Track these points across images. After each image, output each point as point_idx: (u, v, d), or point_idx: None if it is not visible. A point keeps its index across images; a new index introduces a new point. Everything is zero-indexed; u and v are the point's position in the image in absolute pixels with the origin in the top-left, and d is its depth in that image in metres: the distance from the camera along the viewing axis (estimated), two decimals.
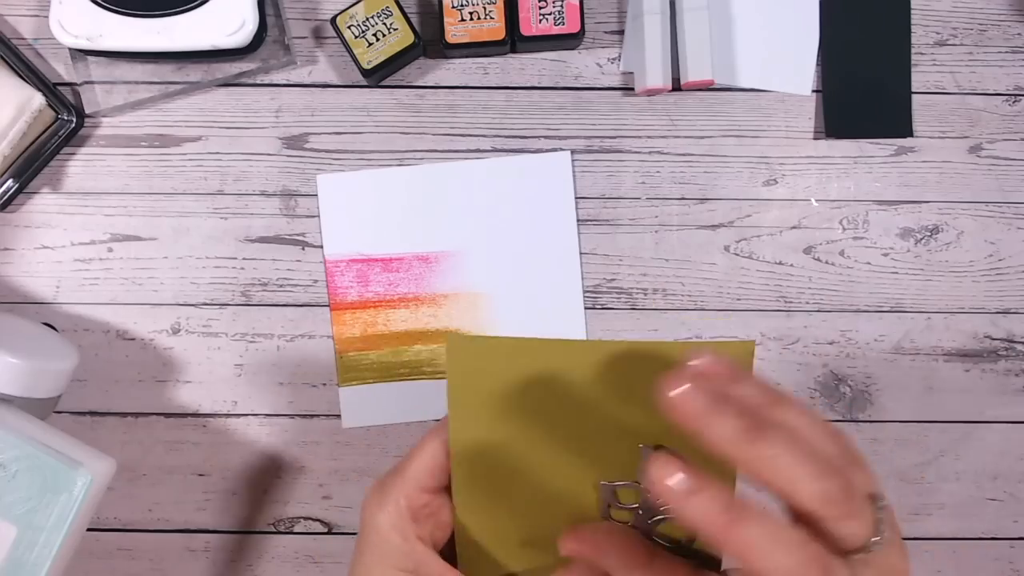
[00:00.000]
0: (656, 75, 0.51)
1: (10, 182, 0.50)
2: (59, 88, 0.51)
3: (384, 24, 0.49)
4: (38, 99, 0.49)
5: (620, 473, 0.36)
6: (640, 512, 0.37)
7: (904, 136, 0.53)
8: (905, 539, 0.51)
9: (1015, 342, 0.53)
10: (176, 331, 0.52)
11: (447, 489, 0.37)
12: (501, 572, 0.38)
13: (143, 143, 0.52)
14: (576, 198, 0.52)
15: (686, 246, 0.52)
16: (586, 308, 0.52)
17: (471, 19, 0.50)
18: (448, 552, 0.38)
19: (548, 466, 0.36)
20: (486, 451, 0.36)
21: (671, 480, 0.28)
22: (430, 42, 0.52)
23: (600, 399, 0.35)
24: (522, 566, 0.38)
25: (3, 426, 0.40)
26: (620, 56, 0.53)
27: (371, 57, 0.50)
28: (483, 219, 0.52)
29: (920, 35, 0.53)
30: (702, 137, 0.53)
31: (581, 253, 0.52)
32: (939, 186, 0.53)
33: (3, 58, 0.50)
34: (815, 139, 0.53)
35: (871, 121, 0.53)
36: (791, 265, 0.53)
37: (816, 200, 0.53)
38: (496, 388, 0.35)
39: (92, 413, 0.52)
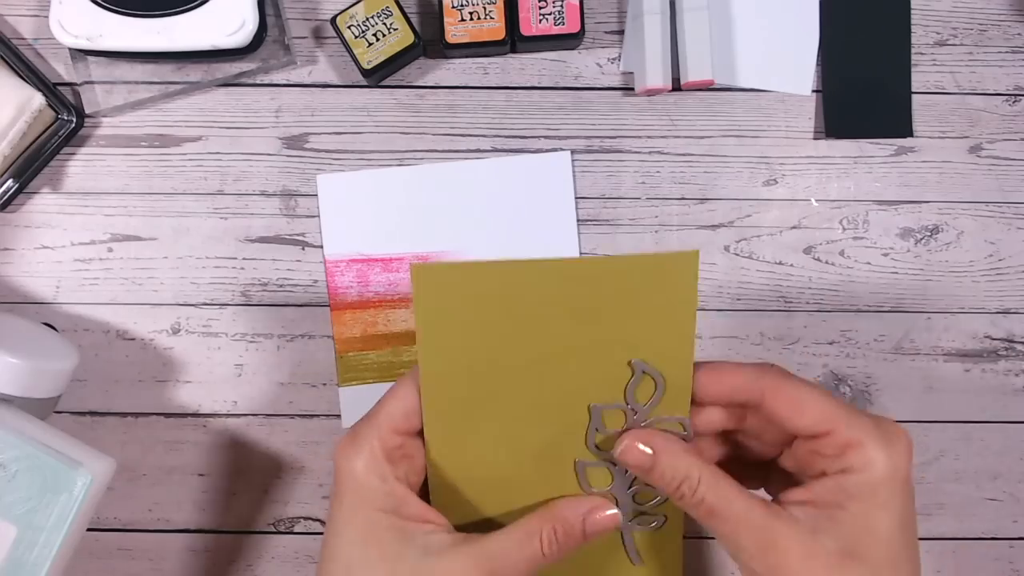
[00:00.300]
0: (656, 75, 0.51)
1: (10, 182, 0.50)
2: (59, 88, 0.51)
3: (384, 24, 0.49)
4: (38, 99, 0.49)
5: (612, 391, 0.36)
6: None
7: (904, 136, 0.53)
8: None
9: (1015, 342, 0.53)
10: (176, 331, 0.52)
11: (420, 433, 0.37)
12: (473, 514, 0.38)
13: (143, 143, 0.52)
14: (576, 198, 0.52)
15: (686, 246, 0.52)
16: None
17: (471, 19, 0.50)
18: (423, 495, 0.37)
19: (521, 395, 0.36)
20: (457, 384, 0.36)
21: (631, 459, 0.35)
22: (430, 42, 0.52)
23: (568, 320, 0.35)
24: (495, 506, 0.38)
25: (3, 426, 0.40)
26: (620, 56, 0.53)
27: (371, 57, 0.50)
28: (483, 219, 0.52)
29: (920, 35, 0.53)
30: (702, 137, 0.53)
31: (581, 253, 0.52)
32: (939, 186, 0.53)
33: (3, 58, 0.50)
34: (815, 139, 0.53)
35: (871, 121, 0.53)
36: (791, 265, 0.53)
37: (816, 200, 0.53)
38: (466, 316, 0.35)
39: (92, 413, 0.52)
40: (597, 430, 0.37)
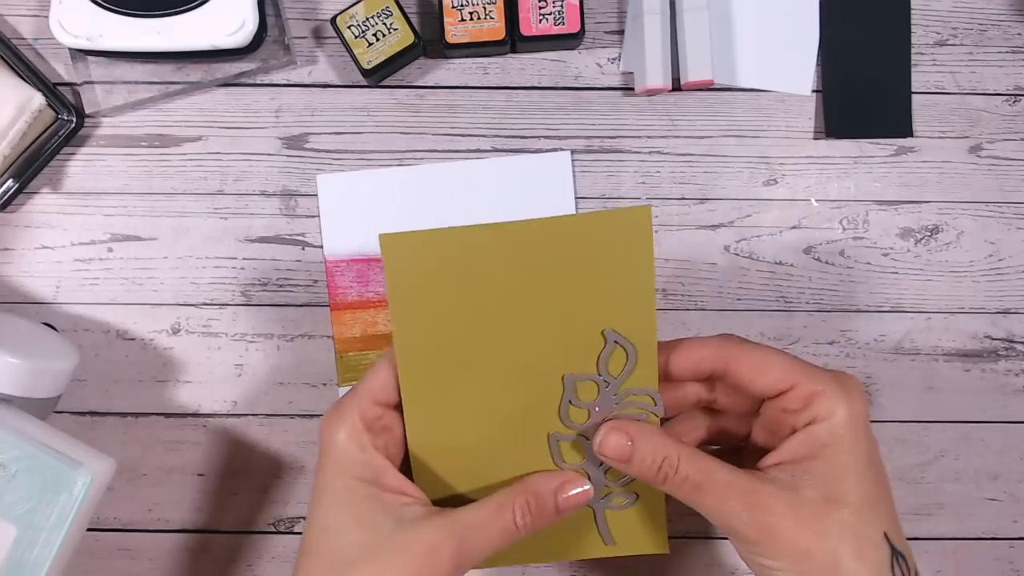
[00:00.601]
0: (656, 75, 0.51)
1: (10, 182, 0.50)
2: (59, 88, 0.51)
3: (384, 24, 0.49)
4: (38, 99, 0.49)
5: (584, 362, 0.36)
6: (597, 409, 0.37)
7: (904, 136, 0.53)
8: (905, 539, 0.51)
9: (1015, 342, 0.53)
10: (176, 331, 0.52)
11: (398, 405, 0.37)
12: (452, 487, 0.38)
13: (143, 143, 0.52)
14: (576, 198, 0.52)
15: (686, 246, 0.52)
16: None
17: (471, 19, 0.50)
18: (404, 470, 0.38)
19: (496, 364, 0.36)
20: (432, 352, 0.36)
21: (610, 452, 0.36)
22: (430, 42, 0.52)
23: (535, 284, 0.35)
24: (472, 478, 0.38)
25: (3, 426, 0.40)
26: (620, 56, 0.53)
27: (371, 57, 0.50)
28: (483, 219, 0.52)
29: (920, 35, 0.53)
30: (702, 137, 0.53)
31: None
32: (939, 186, 0.53)
33: (3, 58, 0.50)
34: (815, 139, 0.53)
35: (871, 121, 0.53)
36: (791, 265, 0.53)
37: (816, 200, 0.53)
38: (437, 284, 0.35)
39: (92, 413, 0.52)
40: (571, 402, 0.37)
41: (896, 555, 0.33)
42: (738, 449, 0.40)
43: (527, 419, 0.37)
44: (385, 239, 0.35)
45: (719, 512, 0.34)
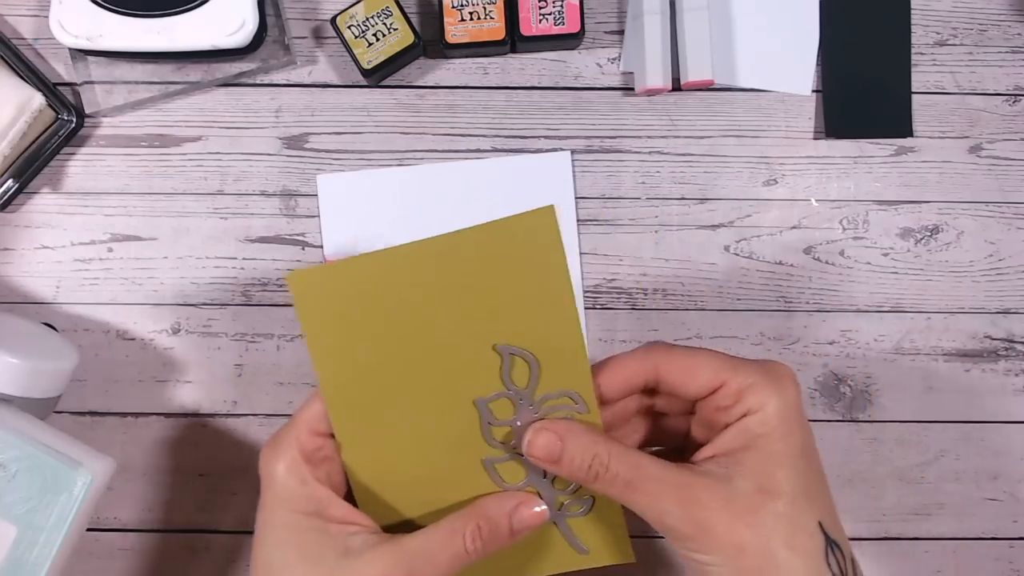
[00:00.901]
0: (656, 75, 0.51)
1: (10, 182, 0.50)
2: (59, 88, 0.51)
3: (384, 24, 0.49)
4: (38, 99, 0.49)
5: (490, 381, 0.35)
6: (518, 423, 0.36)
7: (904, 136, 0.53)
8: (905, 539, 0.51)
9: (1015, 342, 0.53)
10: (176, 331, 0.52)
11: None
12: (400, 515, 0.37)
13: (143, 143, 0.52)
14: (576, 198, 0.52)
15: (686, 246, 0.52)
16: (586, 308, 0.52)
17: (471, 19, 0.50)
18: (350, 498, 0.37)
19: (416, 392, 0.35)
20: (356, 385, 0.35)
21: (538, 452, 0.35)
22: (430, 42, 0.52)
23: (443, 305, 0.34)
24: (421, 506, 0.37)
25: (3, 426, 0.40)
26: (620, 56, 0.53)
27: (371, 57, 0.50)
28: (483, 219, 0.52)
29: (920, 35, 0.53)
30: (702, 137, 0.53)
31: (581, 253, 0.52)
32: (939, 186, 0.53)
33: (3, 58, 0.50)
34: (815, 139, 0.53)
35: (871, 121, 0.53)
36: (791, 265, 0.53)
37: (816, 200, 0.53)
38: (350, 315, 0.34)
39: (92, 413, 0.52)
40: (490, 424, 0.36)
41: (831, 544, 0.33)
42: (680, 448, 0.39)
43: (458, 448, 0.36)
44: (291, 278, 0.34)
45: (652, 509, 0.33)
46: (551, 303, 0.35)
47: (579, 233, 0.52)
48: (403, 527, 0.37)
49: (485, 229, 0.34)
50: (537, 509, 0.36)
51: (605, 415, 0.37)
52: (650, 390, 0.38)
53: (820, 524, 0.33)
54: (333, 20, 0.50)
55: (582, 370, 0.36)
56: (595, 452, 0.34)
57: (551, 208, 0.34)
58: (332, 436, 0.36)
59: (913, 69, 0.53)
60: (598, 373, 0.37)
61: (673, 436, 0.39)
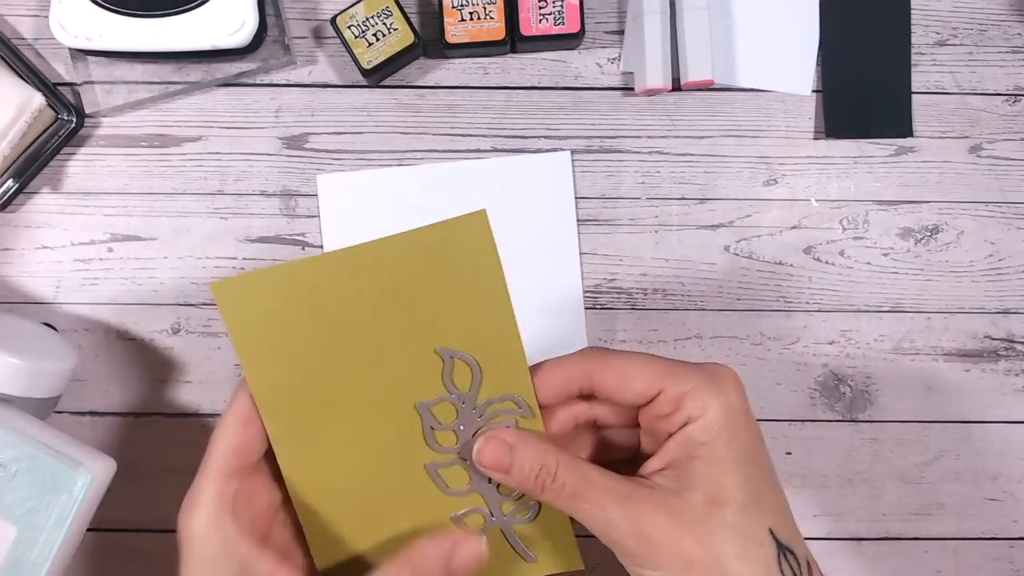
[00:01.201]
0: (656, 75, 0.51)
1: (10, 182, 0.50)
2: (59, 88, 0.51)
3: (384, 24, 0.49)
4: (38, 99, 0.49)
5: (432, 385, 0.35)
6: (461, 428, 0.36)
7: (904, 136, 0.53)
8: (905, 539, 0.51)
9: (1015, 342, 0.53)
10: (176, 331, 0.52)
11: (257, 467, 0.35)
12: (346, 541, 0.36)
13: (143, 143, 0.52)
14: (576, 198, 0.52)
15: (686, 246, 0.52)
16: (586, 308, 0.52)
17: (471, 19, 0.50)
18: (282, 532, 0.36)
19: (356, 401, 0.35)
20: (295, 397, 0.34)
21: (487, 462, 0.34)
22: (430, 42, 0.52)
23: (378, 311, 0.34)
24: (362, 514, 0.36)
25: (3, 426, 0.40)
26: (620, 56, 0.53)
27: (371, 57, 0.50)
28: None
29: (920, 35, 0.53)
30: (702, 137, 0.53)
31: (581, 253, 0.52)
32: (939, 186, 0.53)
33: (3, 58, 0.50)
34: (815, 139, 0.53)
35: (871, 121, 0.53)
36: (791, 265, 0.53)
37: (816, 200, 0.53)
38: (282, 325, 0.34)
39: (92, 413, 0.52)
40: (433, 428, 0.35)
41: (783, 550, 0.32)
42: (633, 463, 0.37)
43: (400, 453, 0.35)
44: (216, 288, 0.33)
45: (598, 521, 0.32)
46: (488, 307, 0.34)
47: (579, 233, 0.52)
48: (345, 542, 0.36)
49: (418, 234, 0.34)
50: (475, 547, 0.35)
51: (550, 429, 0.36)
52: (588, 397, 0.36)
53: (771, 531, 0.32)
54: (333, 20, 0.50)
55: (522, 373, 0.35)
56: (543, 462, 0.33)
57: (483, 212, 0.33)
58: (252, 468, 0.35)
59: (913, 69, 0.53)
60: (533, 376, 0.36)
61: (622, 450, 0.38)
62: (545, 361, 0.36)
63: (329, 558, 0.36)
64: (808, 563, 0.33)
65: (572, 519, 0.36)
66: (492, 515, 0.37)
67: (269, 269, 0.34)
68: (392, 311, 0.34)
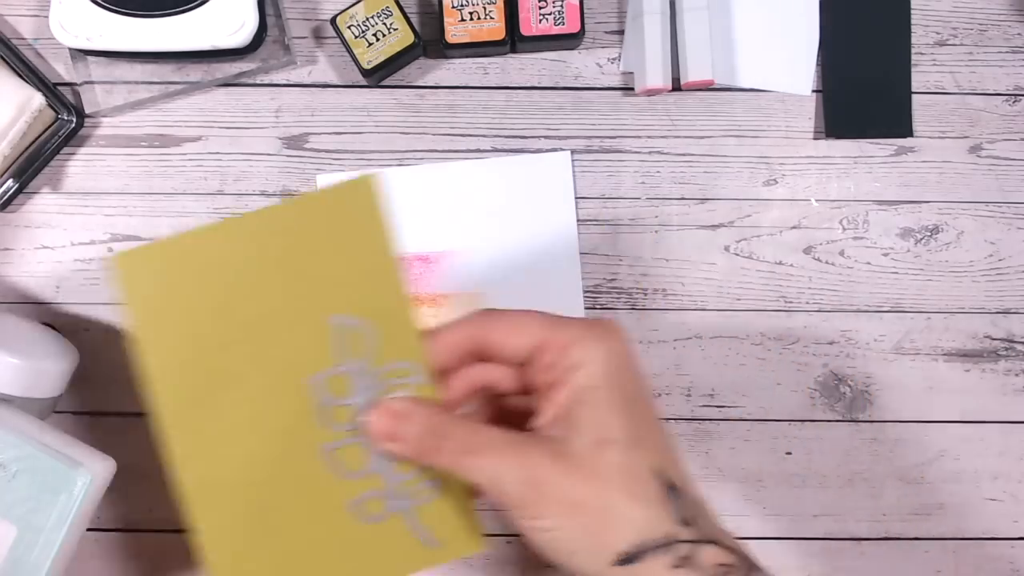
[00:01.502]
0: (656, 75, 0.51)
1: (10, 182, 0.50)
2: (59, 88, 0.51)
3: (384, 24, 0.49)
4: (38, 99, 0.49)
5: (323, 357, 0.33)
6: (358, 401, 0.34)
7: (904, 136, 0.53)
8: (905, 539, 0.51)
9: (1015, 342, 0.53)
10: None
11: None
12: (248, 543, 0.34)
13: (143, 143, 0.52)
14: (576, 198, 0.52)
15: (686, 246, 0.52)
16: (586, 308, 0.52)
17: (471, 19, 0.50)
18: None
19: (253, 372, 0.33)
20: (188, 374, 0.33)
21: (377, 432, 0.33)
22: (430, 42, 0.52)
23: (271, 283, 0.33)
24: (257, 507, 0.34)
25: (3, 426, 0.40)
26: (620, 56, 0.53)
27: (371, 57, 0.50)
28: (483, 219, 0.52)
29: (920, 35, 0.53)
30: (702, 137, 0.53)
31: (581, 253, 0.52)
32: (939, 186, 0.53)
33: (3, 58, 0.50)
34: (815, 139, 0.53)
35: (871, 121, 0.53)
36: (791, 265, 0.53)
37: (816, 200, 0.53)
38: (178, 299, 0.33)
39: (92, 413, 0.52)
40: (327, 404, 0.34)
41: (670, 489, 0.32)
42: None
43: (295, 436, 0.34)
44: (113, 261, 0.32)
45: (488, 475, 0.32)
46: (378, 273, 0.33)
47: (579, 233, 0.52)
48: (242, 545, 0.34)
49: (306, 200, 0.33)
50: None
51: (446, 397, 0.35)
52: (481, 359, 0.36)
53: (657, 470, 0.32)
54: (333, 20, 0.50)
55: (415, 339, 0.34)
56: (432, 425, 0.33)
57: (371, 177, 0.33)
58: None
59: (913, 69, 0.53)
60: (426, 341, 0.35)
61: (520, 418, 0.37)
62: (437, 325, 0.35)
63: (227, 565, 0.34)
64: (698, 504, 0.33)
65: (474, 500, 0.35)
66: (391, 498, 0.35)
67: (162, 240, 0.32)
68: (283, 282, 0.33)
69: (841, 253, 0.53)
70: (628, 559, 0.31)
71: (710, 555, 0.32)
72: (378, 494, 0.35)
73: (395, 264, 0.34)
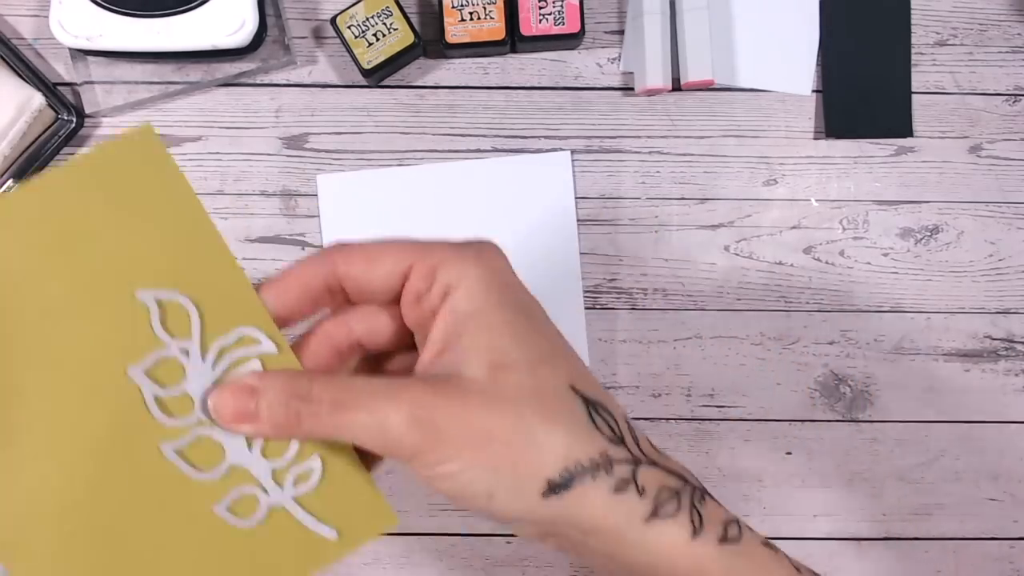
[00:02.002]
0: (656, 75, 0.51)
1: (10, 182, 0.50)
2: (59, 88, 0.51)
3: (384, 24, 0.49)
4: (38, 99, 0.49)
5: (144, 341, 0.28)
6: (195, 387, 0.29)
7: (904, 136, 0.53)
8: (905, 539, 0.51)
9: (1015, 342, 0.53)
10: None
11: None
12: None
13: None
14: (576, 198, 0.52)
15: (686, 246, 0.52)
16: (586, 308, 0.52)
17: (471, 19, 0.50)
18: None
19: (60, 379, 0.28)
20: None
21: (230, 418, 0.28)
22: (430, 42, 0.52)
23: (62, 261, 0.28)
24: (111, 557, 0.28)
25: None
26: (620, 56, 0.53)
27: (371, 57, 0.50)
28: (483, 219, 0.52)
29: (920, 35, 0.53)
30: (702, 137, 0.53)
31: (581, 253, 0.52)
32: (939, 186, 0.53)
33: (3, 58, 0.50)
34: (815, 139, 0.53)
35: (871, 121, 0.53)
36: (791, 265, 0.53)
37: (816, 200, 0.53)
38: None
39: None
40: (157, 396, 0.28)
41: (592, 405, 0.28)
42: None
43: (127, 440, 0.28)
44: None
45: (372, 428, 0.27)
46: (187, 233, 0.29)
47: (579, 233, 0.52)
48: None
49: (81, 164, 0.28)
50: None
51: (306, 365, 0.30)
52: (342, 304, 0.31)
53: (572, 387, 0.28)
54: (333, 20, 0.50)
55: (249, 299, 0.29)
56: (293, 388, 0.27)
57: (148, 127, 0.28)
58: None
59: (913, 69, 0.53)
60: (266, 291, 0.29)
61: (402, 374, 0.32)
62: (278, 270, 0.30)
63: None
64: (626, 420, 0.29)
65: (367, 470, 0.30)
66: (266, 491, 0.29)
67: None
68: (75, 261, 0.28)
69: (841, 253, 0.53)
70: (558, 486, 0.27)
71: (653, 477, 0.28)
72: (249, 490, 0.29)
73: (205, 220, 0.29)
